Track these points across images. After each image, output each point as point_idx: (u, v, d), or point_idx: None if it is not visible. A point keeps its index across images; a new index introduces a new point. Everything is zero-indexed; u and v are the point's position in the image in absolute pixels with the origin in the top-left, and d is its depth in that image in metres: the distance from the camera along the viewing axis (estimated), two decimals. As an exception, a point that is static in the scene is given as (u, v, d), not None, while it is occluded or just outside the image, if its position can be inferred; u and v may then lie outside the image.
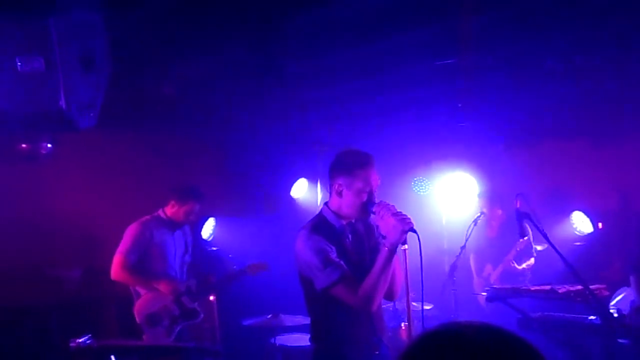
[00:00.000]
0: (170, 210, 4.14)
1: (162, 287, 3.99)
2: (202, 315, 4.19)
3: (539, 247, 4.86)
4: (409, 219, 2.24)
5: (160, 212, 4.17)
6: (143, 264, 4.03)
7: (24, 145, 3.88)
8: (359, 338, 2.42)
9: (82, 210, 4.73)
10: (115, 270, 3.96)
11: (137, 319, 3.97)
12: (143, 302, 4.00)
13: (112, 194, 4.92)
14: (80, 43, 2.08)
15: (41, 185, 4.61)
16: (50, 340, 4.37)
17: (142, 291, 4.03)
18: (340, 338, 2.41)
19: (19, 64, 1.88)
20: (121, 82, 3.16)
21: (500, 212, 5.00)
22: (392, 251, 2.26)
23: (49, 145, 4.00)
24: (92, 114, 2.16)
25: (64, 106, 1.92)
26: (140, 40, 3.36)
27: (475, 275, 5.18)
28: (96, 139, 4.47)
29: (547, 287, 3.41)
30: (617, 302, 3.87)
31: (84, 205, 4.75)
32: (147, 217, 4.14)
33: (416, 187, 5.91)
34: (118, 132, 4.86)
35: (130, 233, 4.02)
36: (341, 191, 2.42)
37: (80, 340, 2.86)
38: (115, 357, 2.95)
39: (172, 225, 4.16)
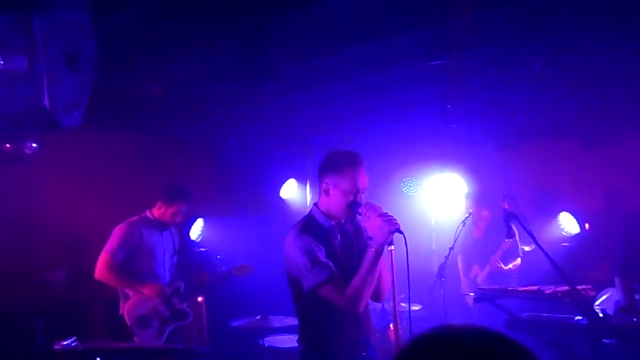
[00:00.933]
0: (157, 211, 4.12)
1: (147, 290, 3.95)
2: (191, 316, 4.16)
3: (526, 248, 4.89)
4: (395, 219, 2.24)
5: (147, 212, 4.14)
6: (131, 264, 3.99)
7: (8, 145, 3.82)
8: (346, 339, 2.42)
9: (68, 211, 4.67)
10: (100, 269, 3.91)
11: (128, 322, 3.93)
12: (132, 304, 3.95)
13: (98, 194, 4.87)
14: (65, 41, 2.05)
15: (26, 186, 4.55)
16: (36, 344, 4.31)
17: (130, 293, 3.98)
18: (328, 339, 2.41)
19: (1, 62, 1.85)
20: (108, 81, 3.13)
21: (486, 212, 5.02)
22: (379, 252, 2.26)
23: (34, 145, 3.94)
24: (77, 114, 2.13)
25: (47, 106, 1.89)
26: (127, 39, 3.33)
27: (462, 276, 5.20)
28: (83, 139, 4.43)
29: (534, 288, 3.43)
30: (602, 302, 3.91)
31: (70, 206, 4.69)
32: (135, 217, 4.10)
33: (405, 188, 5.93)
34: (105, 133, 4.81)
35: (117, 233, 3.98)
36: (328, 189, 2.42)
37: (65, 343, 2.83)
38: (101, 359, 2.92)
39: (160, 226, 4.13)
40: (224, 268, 4.50)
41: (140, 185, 4.96)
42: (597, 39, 3.61)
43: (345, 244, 2.51)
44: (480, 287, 4.18)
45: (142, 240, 4.01)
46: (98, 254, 3.99)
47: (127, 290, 4.00)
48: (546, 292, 3.27)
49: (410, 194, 5.93)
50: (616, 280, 3.71)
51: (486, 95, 4.73)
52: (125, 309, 3.95)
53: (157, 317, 3.96)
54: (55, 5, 2.00)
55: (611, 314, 3.29)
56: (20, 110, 1.91)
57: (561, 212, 5.40)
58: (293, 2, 3.11)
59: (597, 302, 3.89)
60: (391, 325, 4.33)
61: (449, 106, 4.72)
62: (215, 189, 5.77)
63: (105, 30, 2.69)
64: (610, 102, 4.69)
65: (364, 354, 2.48)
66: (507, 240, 4.42)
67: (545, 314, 3.39)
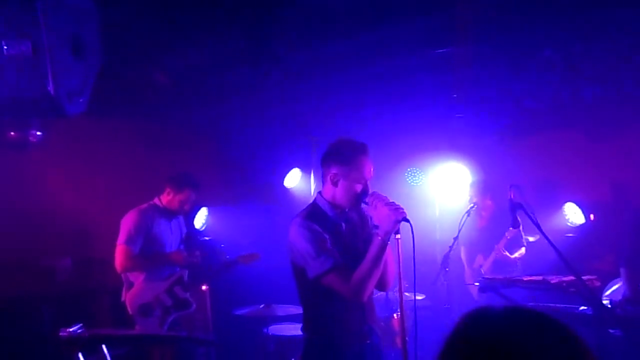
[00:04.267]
0: (165, 198, 4.11)
1: (174, 256, 4.01)
2: (194, 306, 4.17)
3: (531, 238, 4.88)
4: (402, 208, 2.24)
5: (156, 200, 4.13)
6: (142, 252, 3.99)
7: (12, 133, 3.81)
8: (350, 327, 2.42)
9: (73, 199, 4.68)
10: (121, 261, 3.89)
11: (130, 310, 3.95)
12: (135, 293, 3.97)
13: (104, 182, 4.87)
14: (69, 27, 2.03)
15: (31, 174, 4.55)
16: (42, 331, 4.34)
17: (135, 281, 3.99)
18: (332, 327, 2.41)
19: (5, 47, 1.83)
20: (113, 68, 3.11)
21: (490, 202, 5.00)
22: (385, 241, 2.25)
23: (39, 133, 3.93)
24: (81, 100, 2.12)
25: (52, 92, 1.88)
26: (133, 26, 3.32)
27: (466, 267, 5.20)
28: (87, 127, 4.42)
29: (540, 278, 3.43)
30: (611, 293, 3.89)
31: (75, 194, 4.70)
32: (144, 205, 4.09)
33: (409, 178, 5.91)
34: (110, 120, 4.80)
35: (129, 222, 3.95)
36: (337, 181, 2.41)
37: (71, 330, 2.83)
38: (107, 347, 2.93)
39: (168, 213, 4.13)
40: (228, 257, 4.51)
41: (145, 173, 4.96)
42: (605, 27, 3.57)
43: (350, 233, 2.50)
44: (485, 276, 4.18)
45: (153, 227, 4.01)
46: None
47: (132, 278, 4.01)
48: (552, 282, 3.27)
49: (415, 184, 5.91)
50: (621, 271, 3.69)
51: (492, 84, 4.69)
52: (128, 297, 3.96)
53: (160, 305, 3.98)
54: (60, -10, 1.98)
55: (617, 304, 3.28)
56: (24, 96, 1.90)
57: (566, 202, 5.37)
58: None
59: (607, 293, 3.88)
60: (395, 315, 4.34)
61: (454, 95, 4.69)
62: (219, 178, 5.76)
63: (111, 17, 2.67)
64: (618, 92, 4.64)
65: (368, 342, 2.48)
66: (510, 229, 4.41)
67: (550, 304, 3.38)
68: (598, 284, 3.41)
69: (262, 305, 4.20)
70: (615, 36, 3.68)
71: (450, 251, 4.66)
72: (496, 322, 0.87)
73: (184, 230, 4.36)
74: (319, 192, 2.53)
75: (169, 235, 4.14)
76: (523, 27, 3.55)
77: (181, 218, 4.32)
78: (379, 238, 2.25)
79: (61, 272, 4.84)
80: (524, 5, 3.25)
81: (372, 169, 2.43)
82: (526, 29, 3.58)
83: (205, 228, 5.55)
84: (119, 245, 3.90)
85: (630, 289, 3.56)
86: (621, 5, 3.25)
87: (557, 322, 0.89)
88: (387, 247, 2.29)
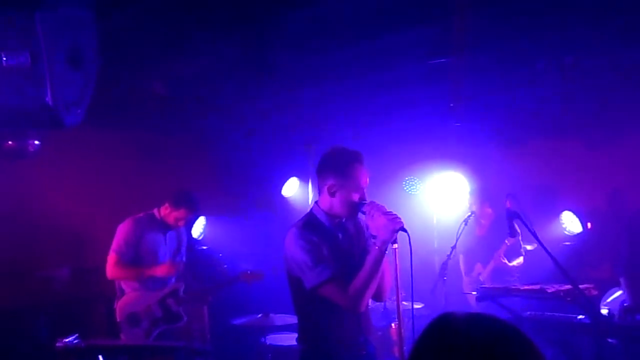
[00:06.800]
0: (163, 211, 4.14)
1: (159, 270, 3.98)
2: (185, 319, 4.13)
3: (528, 247, 4.88)
4: (400, 218, 2.24)
5: (155, 211, 4.16)
6: (134, 261, 3.99)
7: (10, 142, 3.82)
8: (346, 338, 2.41)
9: (70, 208, 4.68)
10: (111, 269, 3.92)
11: (118, 317, 3.95)
12: (127, 301, 3.97)
13: (100, 192, 4.87)
14: (67, 38, 2.05)
15: (29, 184, 4.55)
16: (38, 341, 4.32)
17: (127, 289, 3.99)
18: (327, 338, 2.40)
19: (4, 58, 1.84)
20: (111, 78, 3.13)
21: (489, 210, 5.01)
22: (383, 251, 2.25)
23: (37, 143, 3.94)
24: (79, 111, 2.13)
25: (50, 103, 1.89)
26: (130, 37, 3.33)
27: (464, 275, 5.19)
28: (85, 137, 4.42)
29: (537, 287, 3.43)
30: (610, 302, 3.89)
31: (73, 203, 4.69)
32: (141, 214, 4.12)
33: (407, 187, 5.92)
34: (107, 130, 4.81)
35: (122, 231, 4.00)
36: (334, 192, 2.40)
37: (67, 340, 2.82)
38: (103, 357, 2.92)
39: (164, 225, 4.14)
40: (226, 266, 4.49)
41: (143, 183, 4.96)
42: (601, 38, 3.59)
43: (347, 243, 2.50)
44: (483, 285, 4.18)
45: (144, 237, 4.02)
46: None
47: (124, 286, 4.01)
48: (549, 291, 3.27)
49: (412, 193, 5.92)
50: (621, 280, 3.69)
51: (489, 93, 4.72)
52: (119, 304, 3.97)
53: (148, 317, 3.97)
54: (58, 2, 2.00)
55: (616, 313, 3.28)
56: (23, 107, 1.91)
57: (563, 211, 5.38)
58: (295, 1, 3.10)
59: (606, 302, 3.88)
60: (392, 324, 4.33)
61: (451, 104, 4.71)
62: (216, 187, 5.76)
63: (108, 28, 2.69)
64: (614, 101, 4.67)
65: (364, 352, 2.47)
66: (510, 238, 4.42)
67: (547, 313, 3.38)
68: (595, 292, 3.41)
69: (259, 315, 4.19)
70: (610, 46, 3.71)
71: (448, 260, 4.66)
72: (459, 328, 0.93)
73: (185, 241, 4.35)
74: (316, 202, 2.53)
75: (163, 246, 4.14)
76: (518, 38, 3.58)
77: (182, 229, 4.32)
78: (377, 248, 2.25)
79: (58, 282, 4.82)
80: (519, 16, 3.27)
81: (367, 177, 2.43)
82: (521, 39, 3.61)
83: (203, 237, 5.54)
84: (110, 253, 3.96)
85: (632, 297, 3.55)
86: (615, 15, 3.28)
87: (515, 328, 0.93)
88: (385, 257, 2.29)
